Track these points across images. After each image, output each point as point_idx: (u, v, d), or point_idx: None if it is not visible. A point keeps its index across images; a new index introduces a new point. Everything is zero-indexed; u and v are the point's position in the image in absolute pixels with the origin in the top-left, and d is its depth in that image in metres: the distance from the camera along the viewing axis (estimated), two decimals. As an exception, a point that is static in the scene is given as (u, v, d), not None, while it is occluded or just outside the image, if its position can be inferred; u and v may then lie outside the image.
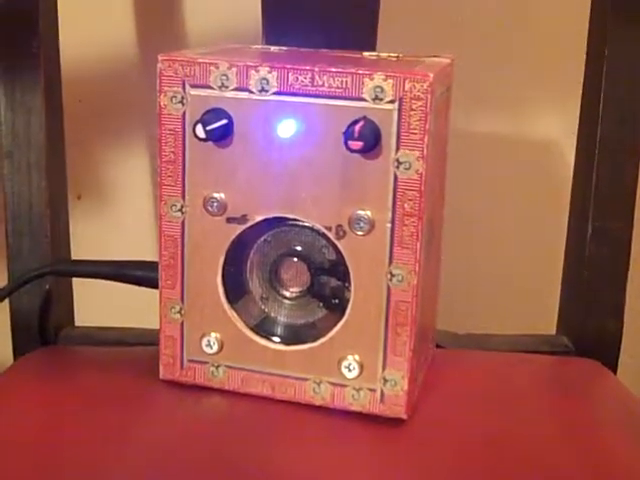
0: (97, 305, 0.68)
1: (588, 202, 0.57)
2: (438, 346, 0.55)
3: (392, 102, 0.43)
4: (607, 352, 0.57)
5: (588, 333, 0.58)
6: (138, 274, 0.51)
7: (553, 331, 0.61)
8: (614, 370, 0.57)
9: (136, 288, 0.52)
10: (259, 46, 0.54)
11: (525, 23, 0.73)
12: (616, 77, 0.56)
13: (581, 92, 0.59)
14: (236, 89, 0.45)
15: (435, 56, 0.49)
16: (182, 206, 0.47)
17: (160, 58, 0.46)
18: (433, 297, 0.52)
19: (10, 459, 0.44)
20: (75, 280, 0.61)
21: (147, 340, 0.56)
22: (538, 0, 0.73)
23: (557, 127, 0.75)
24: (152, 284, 0.49)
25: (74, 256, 0.61)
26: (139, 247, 0.79)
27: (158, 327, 0.49)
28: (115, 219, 0.79)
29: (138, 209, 0.79)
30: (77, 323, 0.62)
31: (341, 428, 0.46)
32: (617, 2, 0.56)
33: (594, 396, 0.53)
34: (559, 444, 0.46)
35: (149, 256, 0.53)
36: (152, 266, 0.49)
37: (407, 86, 0.42)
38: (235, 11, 0.72)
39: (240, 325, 0.48)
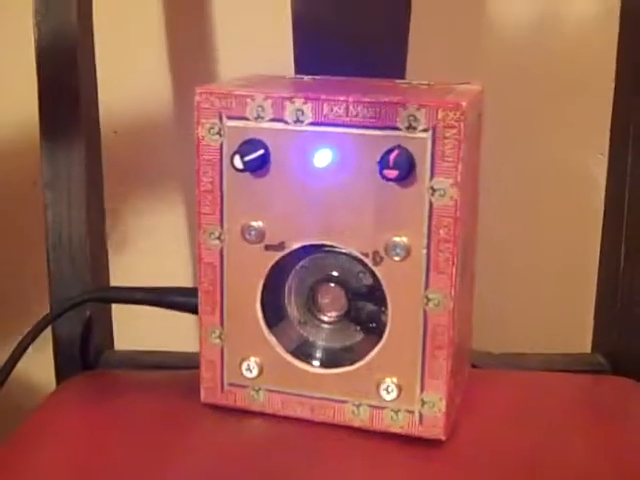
0: (135, 328, 0.69)
1: (621, 220, 0.57)
2: (473, 366, 0.56)
3: (426, 130, 0.43)
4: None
5: (623, 351, 0.58)
6: (178, 300, 0.52)
7: (588, 350, 0.62)
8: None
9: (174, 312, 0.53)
10: (292, 76, 0.55)
11: (553, 43, 0.74)
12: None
13: (611, 114, 0.59)
14: (272, 120, 0.46)
15: (465, 83, 0.50)
16: (220, 234, 0.48)
17: (197, 91, 0.47)
18: (468, 319, 0.52)
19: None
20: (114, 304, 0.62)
21: (186, 364, 0.57)
22: (566, 19, 0.74)
23: (587, 150, 0.75)
24: (192, 310, 0.50)
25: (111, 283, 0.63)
26: (173, 273, 0.80)
27: (197, 350, 0.50)
28: (150, 246, 0.81)
29: (173, 237, 0.80)
30: (116, 346, 0.63)
31: (381, 450, 0.47)
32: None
33: (631, 415, 0.53)
34: (597, 467, 0.46)
35: (183, 282, 0.54)
36: (192, 292, 0.50)
37: (440, 115, 0.43)
38: (265, 39, 0.73)
39: (279, 349, 0.48)
